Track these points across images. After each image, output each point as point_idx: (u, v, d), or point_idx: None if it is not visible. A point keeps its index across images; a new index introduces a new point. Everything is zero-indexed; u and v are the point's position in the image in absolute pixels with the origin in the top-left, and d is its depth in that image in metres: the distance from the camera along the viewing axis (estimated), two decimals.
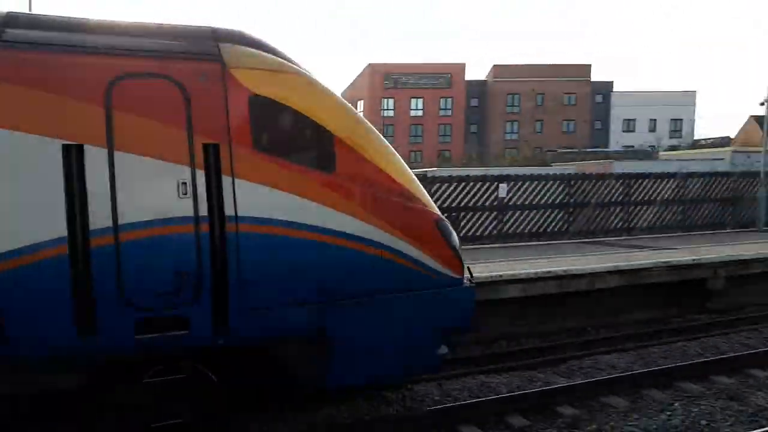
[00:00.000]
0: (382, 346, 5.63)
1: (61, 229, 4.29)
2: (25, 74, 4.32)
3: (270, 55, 5.29)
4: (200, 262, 4.67)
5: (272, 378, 5.50)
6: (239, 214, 4.79)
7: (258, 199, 4.88)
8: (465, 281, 6.06)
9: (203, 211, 4.68)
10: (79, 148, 4.37)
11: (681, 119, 62.12)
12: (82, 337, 4.40)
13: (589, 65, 68.28)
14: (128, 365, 4.83)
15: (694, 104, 64.16)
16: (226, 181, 4.75)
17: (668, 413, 6.78)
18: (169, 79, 4.68)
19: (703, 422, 6.53)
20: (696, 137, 57.99)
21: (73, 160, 4.35)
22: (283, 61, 5.35)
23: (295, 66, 5.44)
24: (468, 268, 6.14)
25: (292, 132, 5.28)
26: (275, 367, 5.40)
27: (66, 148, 4.33)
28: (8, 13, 4.57)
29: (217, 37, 5.11)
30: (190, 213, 4.64)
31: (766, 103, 18.74)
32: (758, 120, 29.70)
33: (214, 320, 4.79)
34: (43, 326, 4.35)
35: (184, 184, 4.62)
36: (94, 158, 4.40)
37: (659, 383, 7.56)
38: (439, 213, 6.03)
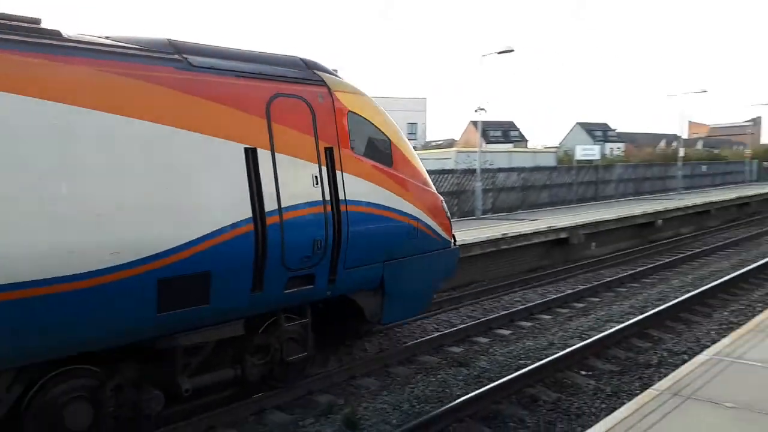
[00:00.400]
0: (410, 293, 7.94)
1: (248, 212, 5.74)
2: (215, 93, 5.71)
3: (347, 81, 7.35)
4: (326, 233, 6.45)
5: (349, 319, 7.74)
6: (347, 198, 6.71)
7: (354, 187, 6.83)
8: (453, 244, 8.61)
9: (327, 196, 6.50)
10: (253, 151, 5.86)
11: (416, 123, 69.05)
12: (255, 292, 5.94)
13: None
14: (268, 315, 6.59)
15: (425, 110, 71.92)
16: (338, 174, 6.66)
17: (412, 386, 7.51)
18: (302, 99, 6.47)
19: (440, 389, 7.39)
20: (428, 139, 65.15)
21: (251, 160, 5.83)
22: (354, 84, 7.43)
23: (359, 88, 7.50)
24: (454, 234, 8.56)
25: (369, 138, 7.29)
26: (353, 311, 7.45)
27: (246, 151, 5.82)
28: (186, 42, 5.98)
29: (309, 65, 7.01)
30: (320, 198, 6.43)
31: (479, 110, 21.83)
32: (475, 124, 34.61)
33: (329, 277, 6.66)
34: (234, 285, 5.76)
35: (316, 177, 6.43)
36: (264, 158, 5.94)
37: (403, 360, 8.33)
38: (439, 194, 8.38)
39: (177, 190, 5.40)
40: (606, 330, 9.25)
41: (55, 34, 5.03)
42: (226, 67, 6.01)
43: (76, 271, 4.71)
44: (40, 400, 5.15)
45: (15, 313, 4.46)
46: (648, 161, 38.87)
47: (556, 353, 8.16)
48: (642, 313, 10.09)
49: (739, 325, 8.60)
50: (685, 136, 50.42)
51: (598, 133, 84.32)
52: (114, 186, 5.01)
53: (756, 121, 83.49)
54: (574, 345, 8.54)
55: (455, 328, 9.64)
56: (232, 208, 5.70)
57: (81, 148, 4.89)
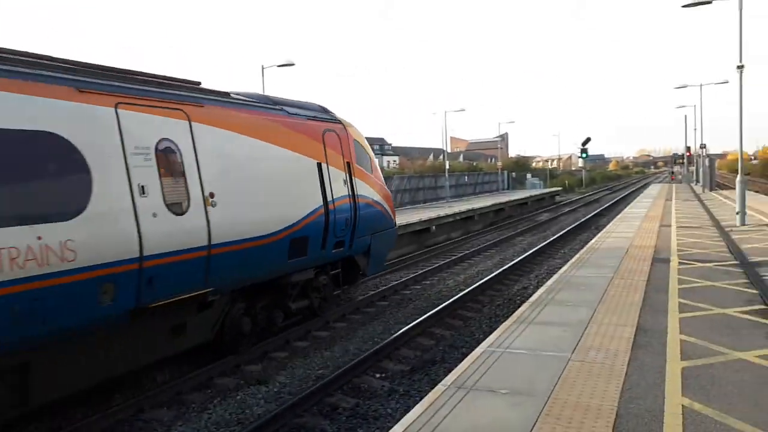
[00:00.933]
0: (380, 255, 12.33)
1: (319, 202, 9.64)
2: (302, 129, 9.75)
3: (349, 120, 11.73)
4: (351, 215, 10.55)
5: (353, 271, 11.59)
6: (356, 193, 10.84)
7: (359, 186, 10.98)
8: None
9: (349, 192, 10.60)
10: (321, 165, 9.95)
11: None
12: (322, 250, 9.77)
13: None
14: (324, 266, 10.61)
15: None
16: (353, 178, 10.81)
17: (209, 412, 7.16)
18: (335, 132, 10.69)
19: (239, 411, 7.17)
20: None
21: (319, 170, 9.86)
22: (352, 122, 11.81)
23: (354, 125, 11.88)
24: None
25: (362, 155, 11.55)
26: (355, 266, 11.48)
27: (318, 165, 9.87)
28: (280, 97, 10.12)
29: (327, 110, 11.25)
30: (347, 193, 10.55)
31: None
32: None
33: (349, 243, 10.63)
34: (315, 245, 9.52)
35: (345, 180, 10.53)
36: (325, 169, 9.99)
37: (198, 385, 7.89)
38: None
39: (295, 188, 9.32)
40: (395, 332, 9.87)
41: (226, 94, 8.70)
42: (302, 114, 10.14)
43: (260, 234, 8.25)
44: (231, 314, 8.58)
45: (239, 258, 7.89)
46: (420, 173, 42.56)
47: (353, 360, 8.47)
48: (425, 313, 11.00)
49: (504, 318, 9.83)
50: (448, 150, 56.18)
51: (376, 147, 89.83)
52: (272, 185, 8.76)
53: (504, 137, 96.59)
54: (368, 350, 8.96)
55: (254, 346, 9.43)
56: (315, 198, 9.69)
57: (262, 163, 8.62)
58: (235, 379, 8.18)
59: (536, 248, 19.12)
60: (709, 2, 18.22)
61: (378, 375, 8.22)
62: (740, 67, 17.80)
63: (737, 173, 19.35)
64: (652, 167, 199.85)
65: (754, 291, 8.73)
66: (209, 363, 8.52)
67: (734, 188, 19.70)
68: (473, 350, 6.68)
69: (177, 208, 7.05)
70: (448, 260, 17.54)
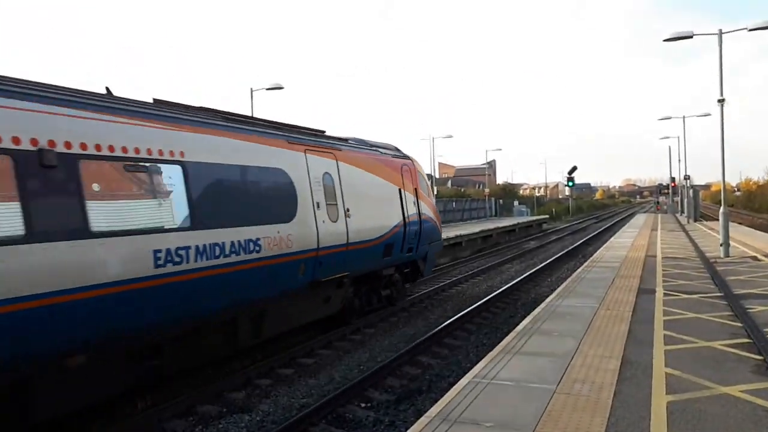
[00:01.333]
0: (432, 260, 16.31)
1: (400, 217, 13.18)
2: (389, 164, 13.53)
3: (414, 157, 15.62)
4: (418, 228, 14.12)
5: (416, 272, 15.08)
6: (420, 212, 14.39)
7: (422, 207, 14.59)
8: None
9: (416, 211, 14.15)
10: (401, 191, 13.55)
11: None
12: (400, 253, 13.36)
13: None
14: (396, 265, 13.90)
15: None
16: (419, 201, 14.47)
17: None
18: (407, 166, 14.40)
19: None
20: None
21: (399, 193, 13.48)
22: (416, 159, 15.65)
23: (417, 161, 15.70)
24: None
25: (423, 183, 15.19)
26: (417, 268, 14.98)
27: (399, 190, 13.50)
28: (373, 140, 14.12)
29: (399, 149, 15.05)
30: (416, 212, 14.12)
31: None
32: None
33: (416, 249, 14.20)
34: (396, 249, 13.05)
35: (414, 202, 14.13)
36: (405, 194, 13.67)
37: (180, 413, 7.75)
38: None
39: (386, 207, 12.84)
40: (382, 360, 9.79)
41: (344, 139, 12.55)
42: (388, 152, 13.94)
43: (370, 238, 11.82)
44: (349, 294, 11.95)
45: (360, 253, 11.47)
46: None
47: (338, 389, 8.37)
48: (413, 341, 10.92)
49: (491, 347, 9.79)
50: (437, 175, 56.45)
51: None
52: (376, 205, 12.38)
53: (491, 164, 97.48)
54: (354, 378, 8.86)
55: (234, 374, 9.31)
56: (398, 215, 13.11)
57: (371, 189, 12.37)
58: (217, 407, 8.04)
59: (523, 276, 19.15)
60: (690, 37, 18.65)
61: (363, 404, 8.12)
62: (721, 101, 18.18)
63: (721, 204, 19.62)
64: (638, 197, 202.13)
65: (739, 324, 8.78)
66: (191, 389, 8.38)
67: (718, 219, 19.94)
68: (459, 380, 6.63)
69: (333, 218, 10.76)
70: (436, 286, 17.49)
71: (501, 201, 59.70)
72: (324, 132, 11.98)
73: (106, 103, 7.05)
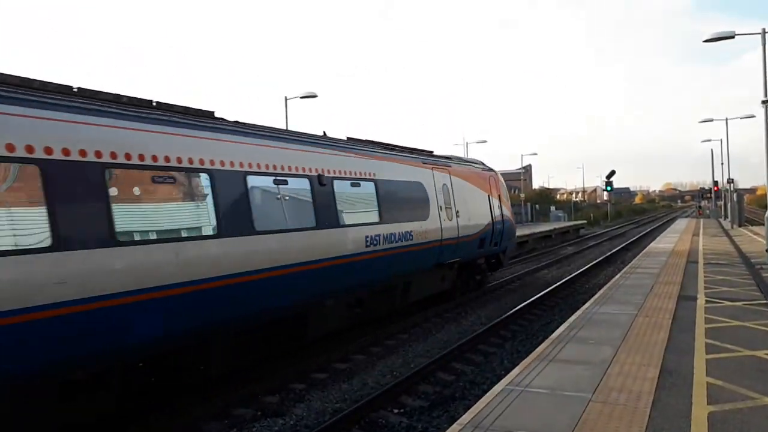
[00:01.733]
0: (508, 255, 20.36)
1: (489, 218, 16.90)
2: (481, 176, 17.47)
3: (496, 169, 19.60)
4: (501, 227, 17.75)
5: (494, 263, 18.53)
6: (503, 214, 18.17)
7: (504, 210, 18.40)
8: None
9: (501, 213, 17.95)
10: (489, 197, 17.34)
11: None
12: (489, 246, 17.04)
13: None
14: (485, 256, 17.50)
15: None
16: (502, 206, 18.24)
17: None
18: (493, 176, 18.43)
19: None
20: None
21: (488, 199, 17.21)
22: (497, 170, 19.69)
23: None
24: None
25: (503, 190, 18.99)
26: (498, 260, 18.66)
27: (488, 196, 17.28)
28: (463, 156, 21.05)
29: (484, 163, 18.90)
30: (500, 214, 17.86)
31: None
32: None
33: (498, 244, 17.77)
34: (486, 243, 16.71)
35: (499, 206, 17.91)
36: (492, 199, 17.43)
37: (216, 414, 7.88)
38: None
39: (481, 209, 16.39)
40: (415, 366, 9.76)
41: (450, 157, 16.55)
42: (479, 166, 17.99)
43: (470, 234, 15.42)
44: (455, 278, 15.60)
45: (465, 245, 15.12)
46: None
47: (370, 394, 8.39)
48: (446, 348, 10.87)
49: (526, 354, 9.66)
50: None
51: None
52: (474, 208, 15.96)
53: (527, 169, 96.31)
54: (386, 384, 8.87)
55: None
56: (488, 216, 16.63)
57: (471, 195, 16.04)
58: (252, 410, 8.15)
59: (560, 282, 18.86)
60: (732, 37, 18.13)
61: (396, 410, 8.12)
62: (765, 102, 17.59)
63: (766, 208, 18.95)
64: (679, 201, 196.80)
65: None
66: (227, 392, 8.52)
67: (764, 224, 19.26)
68: (492, 387, 6.57)
69: (449, 218, 14.29)
70: (470, 294, 17.34)
71: (537, 206, 58.92)
72: (432, 152, 15.90)
73: (349, 146, 11.65)
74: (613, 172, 44.38)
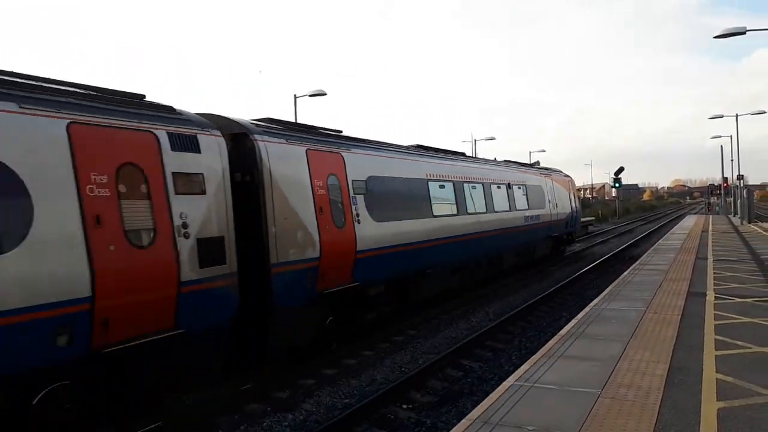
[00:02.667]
0: (575, 232, 29.77)
1: (570, 208, 26.87)
2: (565, 180, 27.55)
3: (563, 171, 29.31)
4: (576, 215, 28.52)
5: (569, 239, 27.85)
6: (576, 207, 29.53)
7: (576, 202, 29.88)
8: None
9: (574, 204, 28.87)
10: (569, 194, 27.40)
11: None
12: (569, 227, 26.64)
13: None
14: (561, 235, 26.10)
15: None
16: (575, 201, 29.87)
17: None
18: (570, 180, 28.43)
19: None
20: None
21: (570, 195, 27.63)
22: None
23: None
24: None
25: (575, 188, 30.96)
26: (572, 238, 28.36)
27: (569, 194, 27.39)
28: (550, 167, 27.88)
29: (562, 171, 28.52)
30: (576, 205, 29.22)
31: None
32: None
33: (573, 225, 27.63)
34: (568, 224, 26.37)
35: (573, 201, 28.28)
36: (571, 195, 27.66)
37: (228, 410, 7.95)
38: None
39: (565, 202, 25.95)
40: (423, 362, 9.80)
41: (546, 167, 26.72)
42: (561, 174, 27.43)
43: (562, 217, 25.16)
44: (553, 246, 24.93)
45: (559, 224, 24.47)
46: None
47: (379, 389, 8.44)
48: (455, 344, 10.90)
49: (533, 351, 9.68)
50: None
51: None
52: (561, 199, 25.38)
53: (535, 165, 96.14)
54: (395, 380, 8.91)
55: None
56: (569, 206, 26.58)
57: (559, 193, 25.39)
58: (262, 405, 8.22)
59: (568, 279, 18.83)
60: (743, 33, 18.02)
61: (405, 406, 8.16)
62: None
63: None
64: (688, 198, 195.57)
65: None
66: (238, 387, 8.59)
67: None
68: (501, 383, 6.60)
69: (553, 207, 23.43)
70: (481, 291, 17.36)
71: None
72: (535, 163, 25.30)
73: (516, 167, 21.55)
74: (621, 169, 44.21)
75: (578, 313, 10.43)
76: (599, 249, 31.60)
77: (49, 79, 6.77)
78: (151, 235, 6.63)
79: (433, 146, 15.82)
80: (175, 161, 7.05)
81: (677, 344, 7.76)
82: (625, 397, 5.80)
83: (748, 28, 18.21)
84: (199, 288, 7.09)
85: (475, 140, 49.64)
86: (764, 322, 8.91)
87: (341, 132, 11.77)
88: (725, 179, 54.51)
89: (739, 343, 7.73)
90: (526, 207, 20.02)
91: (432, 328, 12.88)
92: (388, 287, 11.74)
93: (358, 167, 11.03)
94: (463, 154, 17.96)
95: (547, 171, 25.03)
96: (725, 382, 6.19)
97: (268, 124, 9.60)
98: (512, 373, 7.08)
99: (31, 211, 5.59)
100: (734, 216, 46.57)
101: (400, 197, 12.30)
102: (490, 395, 6.13)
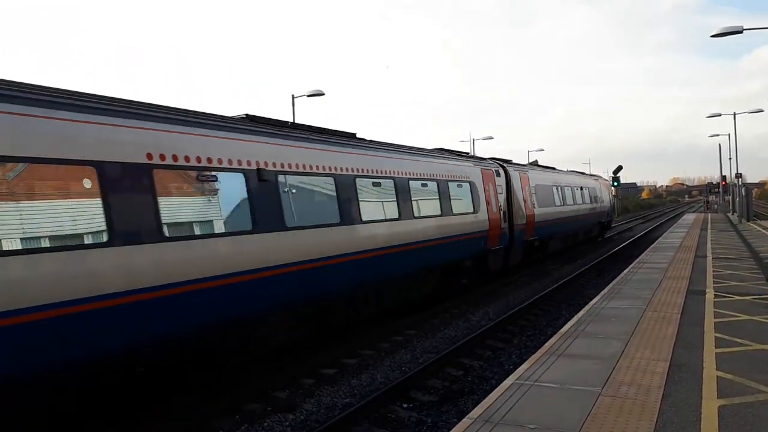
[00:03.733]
0: (610, 222, 39.55)
1: (609, 201, 37.36)
2: (594, 181, 34.03)
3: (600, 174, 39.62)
4: (611, 209, 38.17)
5: (607, 228, 37.75)
6: (610, 201, 39.58)
7: (610, 199, 39.19)
8: None
9: (612, 201, 41.87)
10: (607, 192, 37.04)
11: None
12: (607, 218, 36.80)
13: None
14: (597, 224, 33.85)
15: None
16: (609, 196, 39.73)
17: None
18: (603, 178, 40.88)
19: None
20: None
21: (607, 193, 37.72)
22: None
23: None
24: None
25: (607, 186, 38.33)
26: (609, 226, 38.27)
27: (607, 192, 36.82)
28: (583, 172, 37.21)
29: (595, 174, 39.94)
30: (611, 200, 39.27)
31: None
32: None
33: (609, 216, 37.31)
34: (607, 216, 35.63)
35: (610, 197, 39.82)
36: (605, 192, 36.62)
37: (226, 410, 7.94)
38: None
39: (605, 198, 35.01)
40: (423, 362, 9.78)
41: (582, 172, 35.57)
42: (600, 177, 37.73)
43: (602, 211, 34.10)
44: (599, 230, 34.95)
45: (589, 218, 30.71)
46: None
47: (379, 389, 8.42)
48: (454, 343, 10.89)
49: (533, 349, 9.69)
50: None
51: None
52: (603, 196, 34.32)
53: (533, 164, 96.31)
54: (396, 379, 8.90)
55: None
56: (608, 203, 35.99)
57: (601, 191, 34.32)
58: (262, 405, 8.20)
59: (568, 278, 18.83)
60: (740, 32, 18.02)
61: (406, 405, 8.15)
62: None
63: None
64: (686, 196, 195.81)
65: None
66: (237, 387, 8.58)
67: None
68: (502, 382, 6.59)
69: (599, 202, 32.80)
70: (479, 290, 17.36)
71: None
72: (554, 168, 28.19)
73: (559, 170, 28.97)
74: (620, 168, 44.19)
75: (579, 311, 10.43)
76: (599, 249, 31.59)
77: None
78: (495, 208, 16.78)
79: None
80: (497, 180, 17.39)
81: (677, 342, 7.76)
82: (626, 395, 5.80)
83: (745, 27, 18.21)
84: (502, 231, 17.21)
85: (473, 139, 49.69)
86: (764, 320, 8.91)
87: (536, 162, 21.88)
88: (724, 177, 54.57)
89: (739, 340, 7.73)
90: (590, 202, 29.89)
91: (432, 327, 12.86)
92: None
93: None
94: (545, 165, 27.90)
95: (596, 176, 35.21)
96: (725, 379, 6.18)
97: (506, 159, 20.76)
98: (513, 371, 7.08)
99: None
100: (733, 214, 46.60)
101: None
102: (491, 394, 6.13)
